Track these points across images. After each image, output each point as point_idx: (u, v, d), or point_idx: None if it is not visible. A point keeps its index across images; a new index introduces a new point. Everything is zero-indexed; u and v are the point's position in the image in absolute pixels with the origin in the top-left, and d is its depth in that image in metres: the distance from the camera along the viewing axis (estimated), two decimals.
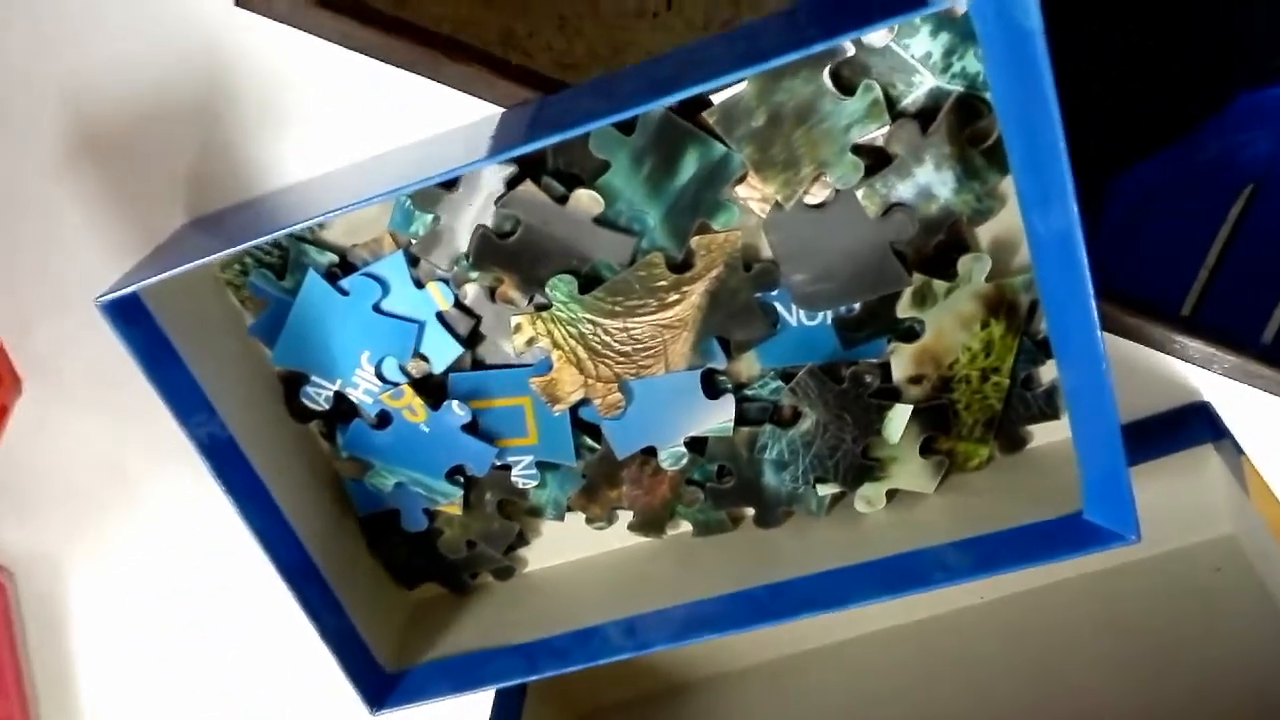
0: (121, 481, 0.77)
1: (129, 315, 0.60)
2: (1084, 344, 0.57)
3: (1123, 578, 0.76)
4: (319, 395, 0.70)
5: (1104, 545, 0.63)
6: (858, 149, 0.62)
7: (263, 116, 0.66)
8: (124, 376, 0.60)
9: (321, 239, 0.67)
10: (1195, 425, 0.72)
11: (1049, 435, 0.73)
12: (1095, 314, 0.55)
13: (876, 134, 0.62)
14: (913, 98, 0.62)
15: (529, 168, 0.64)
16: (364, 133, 0.66)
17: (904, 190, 0.63)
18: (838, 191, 0.63)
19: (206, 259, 0.59)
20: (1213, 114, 1.08)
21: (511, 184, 0.64)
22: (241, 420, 0.66)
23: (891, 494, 0.71)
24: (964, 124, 0.61)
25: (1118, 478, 0.61)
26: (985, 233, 0.66)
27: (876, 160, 0.62)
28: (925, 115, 0.62)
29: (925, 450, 0.70)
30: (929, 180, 0.63)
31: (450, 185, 0.64)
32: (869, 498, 0.71)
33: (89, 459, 0.76)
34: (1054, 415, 0.71)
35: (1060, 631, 0.77)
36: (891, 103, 0.61)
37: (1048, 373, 0.71)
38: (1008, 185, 0.64)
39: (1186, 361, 0.70)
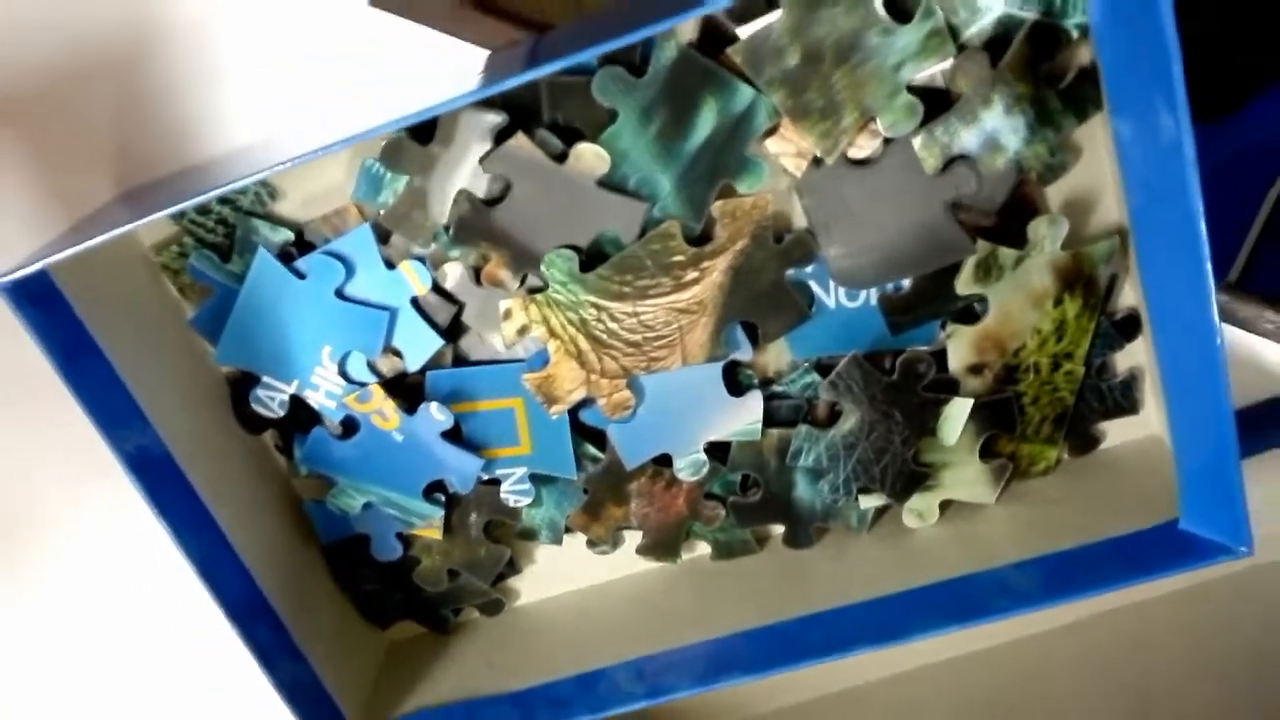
0: (34, 504, 0.69)
1: (39, 300, 0.53)
2: (1193, 308, 0.50)
3: (1215, 595, 0.67)
4: (272, 400, 0.63)
5: (1207, 560, 0.56)
6: (912, 90, 0.54)
7: (199, 68, 0.59)
8: (39, 381, 0.54)
9: (274, 212, 0.61)
10: None
11: (1124, 433, 0.65)
12: (1208, 266, 0.48)
13: (934, 71, 0.54)
14: (977, 28, 0.54)
15: (521, 119, 0.56)
16: (323, 82, 0.59)
17: (968, 139, 0.55)
18: (888, 142, 0.56)
19: (126, 228, 0.50)
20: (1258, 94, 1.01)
21: (500, 138, 0.56)
22: (179, 431, 0.59)
23: (945, 505, 0.65)
24: (1039, 58, 0.54)
25: (1227, 476, 0.53)
26: (1056, 194, 0.59)
27: (932, 105, 0.55)
28: (992, 49, 0.54)
29: (986, 453, 0.63)
30: (997, 127, 0.55)
31: (426, 139, 0.57)
32: (920, 510, 0.65)
33: None
34: (1131, 409, 0.64)
35: (1140, 662, 0.70)
36: (953, 34, 0.53)
37: (1123, 360, 0.63)
38: (1082, 135, 0.57)
39: None
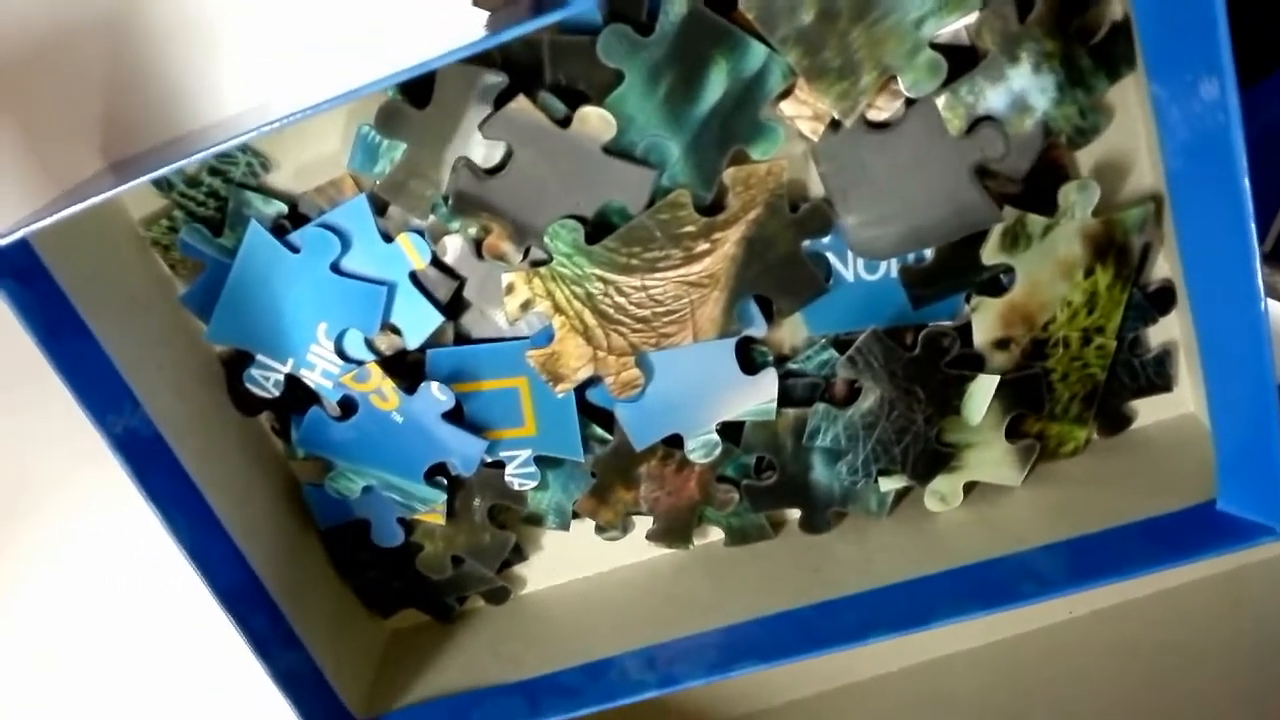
0: (23, 488, 0.68)
1: (20, 272, 0.52)
2: (1236, 277, 0.48)
3: (1252, 578, 0.66)
4: (267, 379, 0.62)
5: (1247, 542, 0.55)
6: (935, 47, 0.52)
7: (192, 33, 0.57)
8: (25, 360, 0.52)
9: (266, 184, 0.60)
10: None
11: (1156, 412, 0.64)
12: (1253, 236, 0.46)
13: (958, 26, 0.52)
14: None
15: (522, 81, 0.54)
16: (321, 48, 0.57)
17: (994, 99, 0.53)
18: (909, 104, 0.54)
19: (110, 193, 0.49)
20: None
21: (500, 102, 0.54)
22: (170, 412, 0.58)
23: (969, 488, 0.64)
24: (1070, 13, 0.52)
25: (1269, 454, 0.51)
26: (1086, 158, 0.57)
27: (956, 63, 0.53)
28: (1019, 2, 0.52)
29: (1012, 433, 0.62)
30: (1024, 86, 0.53)
31: (423, 103, 0.55)
32: (943, 493, 0.64)
33: None
34: (1164, 386, 0.63)
35: (1173, 648, 0.67)
36: None
37: (1156, 335, 0.62)
38: (1114, 95, 0.55)
39: None
